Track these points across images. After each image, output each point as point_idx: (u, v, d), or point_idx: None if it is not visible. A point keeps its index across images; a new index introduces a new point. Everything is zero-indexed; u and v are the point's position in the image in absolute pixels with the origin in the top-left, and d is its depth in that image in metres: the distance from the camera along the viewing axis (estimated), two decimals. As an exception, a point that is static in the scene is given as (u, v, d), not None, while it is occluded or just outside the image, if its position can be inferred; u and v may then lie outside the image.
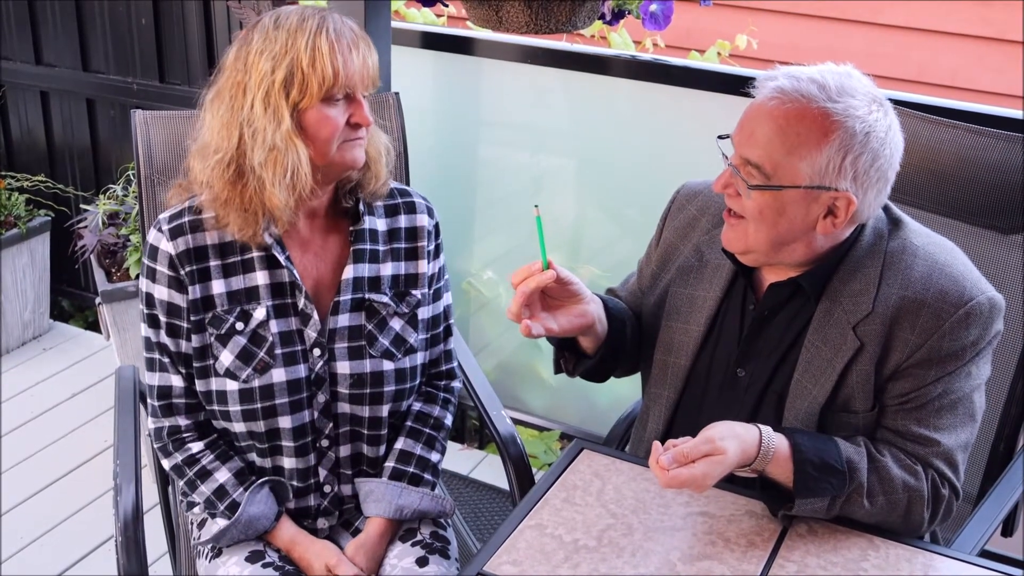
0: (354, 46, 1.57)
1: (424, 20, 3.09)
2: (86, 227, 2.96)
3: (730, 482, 1.49)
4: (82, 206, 3.28)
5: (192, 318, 1.63)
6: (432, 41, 2.85)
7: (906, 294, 1.47)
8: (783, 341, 1.55)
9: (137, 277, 2.85)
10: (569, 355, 1.68)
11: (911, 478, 1.46)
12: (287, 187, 1.56)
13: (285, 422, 1.65)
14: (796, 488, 1.41)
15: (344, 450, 1.72)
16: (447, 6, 2.12)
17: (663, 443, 1.39)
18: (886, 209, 1.55)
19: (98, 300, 2.85)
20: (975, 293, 1.46)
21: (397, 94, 2.16)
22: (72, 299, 3.93)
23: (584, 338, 1.62)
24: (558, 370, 1.72)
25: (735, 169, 1.47)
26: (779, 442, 1.41)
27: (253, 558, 1.66)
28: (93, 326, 3.85)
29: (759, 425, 1.42)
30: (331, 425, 1.69)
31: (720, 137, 1.52)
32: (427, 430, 1.78)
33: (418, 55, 2.86)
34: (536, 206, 1.46)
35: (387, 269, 1.72)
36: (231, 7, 3.03)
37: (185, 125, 2.03)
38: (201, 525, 1.76)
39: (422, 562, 1.67)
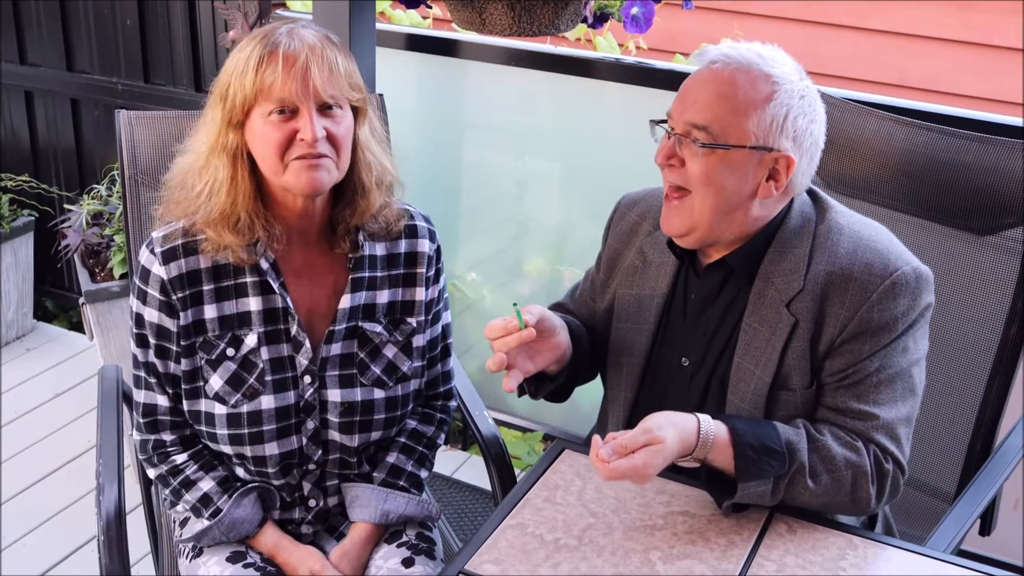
0: (309, 59, 1.50)
1: (410, 22, 3.10)
2: (70, 227, 2.96)
3: (676, 472, 1.50)
4: (66, 206, 3.27)
5: (182, 342, 1.61)
6: (417, 43, 2.85)
7: (833, 269, 1.51)
8: (723, 327, 1.59)
9: (121, 277, 2.84)
10: (531, 378, 1.66)
11: (852, 454, 1.48)
12: (216, 214, 1.55)
13: (272, 448, 1.63)
14: (738, 472, 1.43)
15: (331, 477, 1.71)
16: (431, 8, 2.13)
17: None
18: (813, 195, 1.60)
19: (82, 300, 2.84)
20: (900, 264, 1.50)
21: (381, 96, 2.17)
22: (56, 299, 3.92)
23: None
24: (521, 393, 1.71)
25: (679, 138, 1.49)
26: (717, 429, 1.44)
27: (234, 558, 1.66)
28: (77, 326, 3.83)
29: (697, 414, 1.44)
30: (320, 452, 1.67)
31: (653, 122, 1.55)
32: (420, 448, 1.77)
33: (403, 57, 2.86)
34: (515, 304, 1.50)
35: (383, 296, 1.68)
36: (216, 7, 3.03)
37: (170, 125, 2.03)
38: (183, 524, 1.75)
39: (408, 563, 1.67)
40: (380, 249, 1.68)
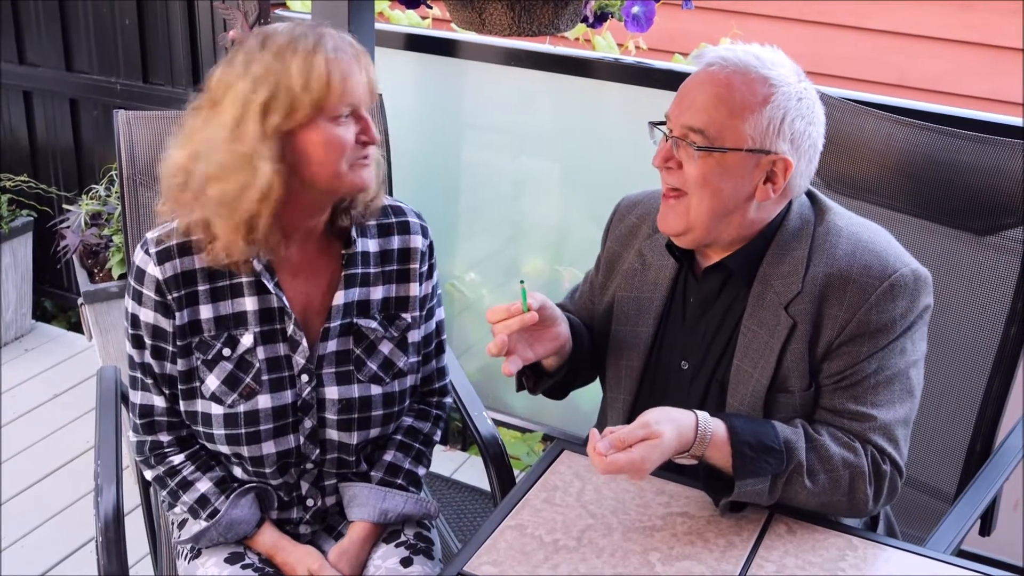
0: (356, 62, 1.51)
1: (409, 22, 3.10)
2: (69, 227, 2.95)
3: (672, 471, 1.50)
4: (65, 206, 3.27)
5: (178, 343, 1.61)
6: (416, 43, 2.85)
7: (831, 271, 1.51)
8: (722, 330, 1.58)
9: (120, 277, 2.84)
10: (531, 373, 1.69)
11: (850, 454, 1.47)
12: (235, 221, 1.50)
13: (269, 447, 1.63)
14: (735, 470, 1.43)
15: (329, 476, 1.71)
16: (431, 8, 2.12)
17: None
18: (812, 197, 1.60)
19: (80, 301, 2.84)
20: (899, 266, 1.49)
21: (380, 96, 2.16)
22: (55, 300, 3.92)
23: (549, 357, 1.63)
24: (520, 388, 1.72)
25: (676, 140, 1.49)
26: (716, 426, 1.43)
27: (233, 559, 1.66)
28: (76, 327, 3.83)
29: (696, 411, 1.44)
30: (317, 451, 1.67)
31: (652, 123, 1.55)
32: (417, 445, 1.77)
33: (402, 57, 2.86)
34: (522, 281, 1.52)
35: (377, 293, 1.68)
36: (216, 7, 3.03)
37: (168, 125, 2.02)
38: (181, 525, 1.75)
39: (406, 562, 1.67)
40: (373, 246, 1.68)
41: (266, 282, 1.60)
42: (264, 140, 1.48)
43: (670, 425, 1.40)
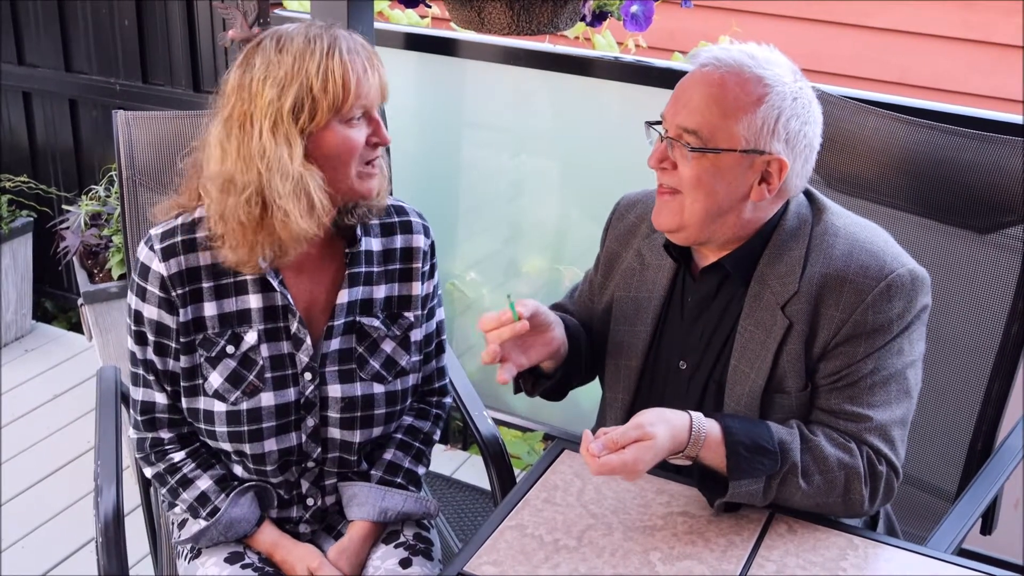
0: (369, 64, 1.52)
1: (408, 21, 3.10)
2: (68, 228, 2.95)
3: (672, 471, 1.50)
4: (64, 207, 3.27)
5: (182, 339, 1.60)
6: (415, 42, 2.85)
7: (828, 271, 1.50)
8: (720, 330, 1.58)
9: (120, 278, 2.84)
10: (527, 375, 1.68)
11: (845, 455, 1.47)
12: (314, 218, 1.51)
13: (271, 445, 1.63)
14: (729, 471, 1.43)
15: (330, 476, 1.71)
16: (430, 7, 2.12)
17: None
18: (810, 197, 1.59)
19: (80, 301, 2.84)
20: (895, 266, 1.49)
21: (379, 95, 2.16)
22: (55, 300, 3.92)
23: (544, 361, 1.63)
24: (517, 390, 1.72)
25: (671, 141, 1.49)
26: (710, 426, 1.43)
27: (232, 559, 1.66)
28: (76, 327, 3.83)
29: (690, 412, 1.44)
30: (319, 450, 1.68)
31: (648, 123, 1.55)
32: (417, 444, 1.78)
33: (401, 56, 2.86)
34: (508, 296, 1.51)
35: (380, 291, 1.69)
36: (215, 7, 3.03)
37: (167, 126, 2.03)
38: (181, 525, 1.75)
39: (405, 563, 1.67)
40: (376, 245, 1.69)
41: (271, 280, 1.60)
42: (302, 144, 1.49)
43: (663, 426, 1.40)
